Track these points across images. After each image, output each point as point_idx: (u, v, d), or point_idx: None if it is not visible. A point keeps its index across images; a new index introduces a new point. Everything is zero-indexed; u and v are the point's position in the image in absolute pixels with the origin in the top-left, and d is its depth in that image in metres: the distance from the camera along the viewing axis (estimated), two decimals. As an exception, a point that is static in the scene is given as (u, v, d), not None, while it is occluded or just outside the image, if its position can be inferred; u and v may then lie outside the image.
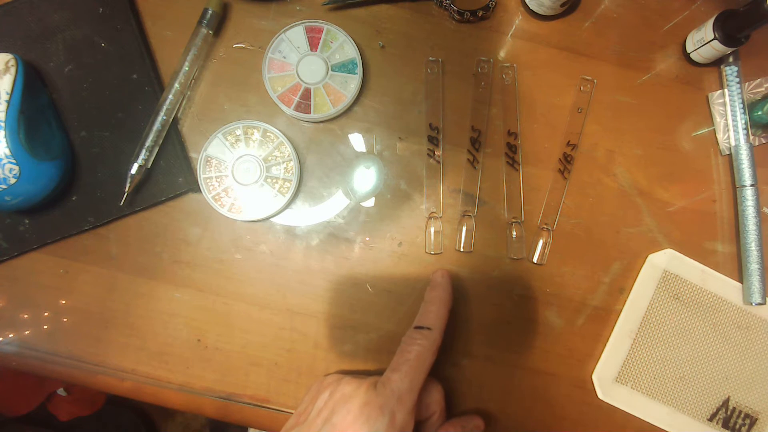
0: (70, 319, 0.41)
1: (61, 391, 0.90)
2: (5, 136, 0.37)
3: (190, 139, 0.43)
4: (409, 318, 0.42)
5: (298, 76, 0.43)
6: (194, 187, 0.42)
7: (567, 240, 0.44)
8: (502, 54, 0.46)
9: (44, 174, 0.38)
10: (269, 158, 0.42)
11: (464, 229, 0.43)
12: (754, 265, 0.42)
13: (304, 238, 0.43)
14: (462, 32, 0.45)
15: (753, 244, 0.42)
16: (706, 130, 0.46)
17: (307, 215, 0.43)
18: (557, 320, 0.43)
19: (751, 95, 0.45)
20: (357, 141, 0.44)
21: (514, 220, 0.43)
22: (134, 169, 0.40)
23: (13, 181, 0.37)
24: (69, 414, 0.91)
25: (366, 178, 0.43)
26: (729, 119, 0.45)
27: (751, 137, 0.44)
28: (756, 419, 0.43)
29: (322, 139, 0.44)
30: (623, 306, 0.43)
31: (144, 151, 0.41)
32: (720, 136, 0.45)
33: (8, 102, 0.37)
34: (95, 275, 0.42)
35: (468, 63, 0.45)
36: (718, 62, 0.46)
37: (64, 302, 0.41)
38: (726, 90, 0.45)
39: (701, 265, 0.44)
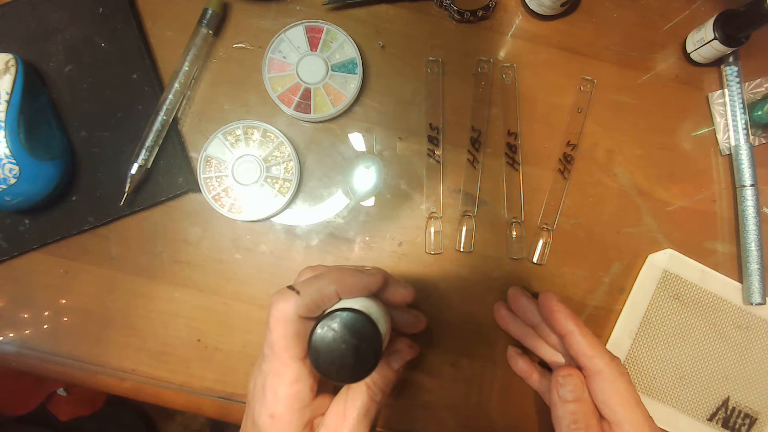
0: (70, 319, 0.41)
1: (61, 391, 0.90)
2: (5, 136, 0.37)
3: (190, 139, 0.43)
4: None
5: (298, 76, 0.43)
6: (194, 187, 0.42)
7: (567, 240, 0.44)
8: (502, 54, 0.46)
9: (44, 174, 0.38)
10: (269, 158, 0.42)
11: (464, 229, 0.43)
12: (754, 265, 0.42)
13: (304, 238, 0.43)
14: (462, 32, 0.45)
15: (753, 244, 0.42)
16: (706, 130, 0.46)
17: (307, 215, 0.43)
18: (557, 320, 0.43)
19: (751, 95, 0.45)
20: (357, 141, 0.44)
21: (514, 220, 0.43)
22: (134, 169, 0.40)
23: (13, 181, 0.37)
24: (69, 414, 0.91)
25: (366, 177, 0.43)
26: (729, 119, 0.45)
27: (751, 137, 0.44)
28: (756, 419, 0.43)
29: (322, 139, 0.44)
30: (623, 306, 0.43)
31: (144, 151, 0.41)
32: (720, 136, 0.45)
33: (8, 102, 0.37)
34: (95, 275, 0.42)
35: (468, 63, 0.45)
36: (718, 62, 0.46)
37: (64, 302, 0.41)
38: (726, 90, 0.45)
39: (701, 265, 0.44)
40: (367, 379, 0.31)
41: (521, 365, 0.40)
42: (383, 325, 0.28)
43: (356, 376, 0.27)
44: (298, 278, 0.33)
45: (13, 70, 0.38)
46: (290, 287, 0.29)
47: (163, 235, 0.42)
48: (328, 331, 0.26)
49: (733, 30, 0.41)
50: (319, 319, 0.27)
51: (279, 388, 0.29)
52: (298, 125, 0.44)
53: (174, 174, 0.42)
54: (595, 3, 0.46)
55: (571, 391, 0.33)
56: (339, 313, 0.26)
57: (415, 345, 0.36)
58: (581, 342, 0.34)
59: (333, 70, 0.43)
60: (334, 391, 0.33)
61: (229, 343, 0.41)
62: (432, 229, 0.43)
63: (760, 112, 0.44)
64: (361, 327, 0.26)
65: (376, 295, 0.31)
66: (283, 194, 0.42)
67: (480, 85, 0.45)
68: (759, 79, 0.45)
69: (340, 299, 0.29)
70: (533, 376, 0.39)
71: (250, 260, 0.42)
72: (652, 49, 0.46)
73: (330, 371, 0.26)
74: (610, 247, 0.44)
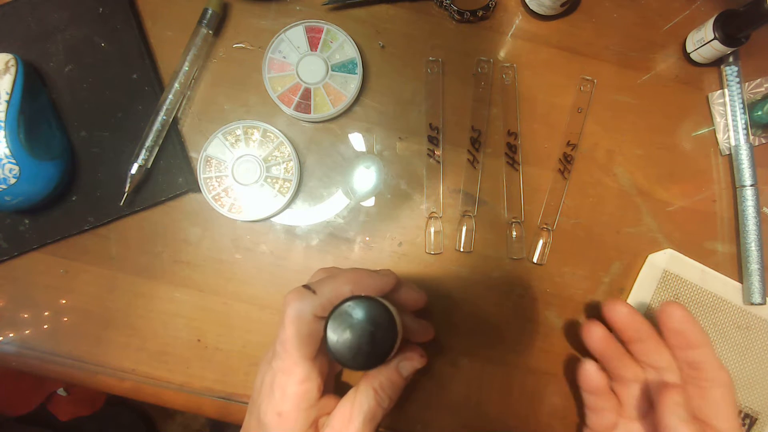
0: (70, 318, 0.41)
1: (61, 391, 0.90)
2: (5, 136, 0.37)
3: (190, 139, 0.43)
4: (409, 318, 0.42)
5: (298, 76, 0.43)
6: (194, 187, 0.42)
7: (567, 240, 0.44)
8: (502, 54, 0.46)
9: (44, 174, 0.38)
10: (269, 158, 0.42)
11: (464, 229, 0.43)
12: (754, 265, 0.42)
13: (304, 238, 0.43)
14: (462, 32, 0.45)
15: (753, 244, 0.42)
16: (706, 130, 0.46)
17: (307, 215, 0.43)
18: (557, 320, 0.43)
19: (751, 95, 0.45)
20: (357, 141, 0.44)
21: (514, 220, 0.43)
22: (134, 169, 0.40)
23: (13, 181, 0.37)
24: (69, 414, 0.91)
25: (366, 177, 0.43)
26: (729, 119, 0.45)
27: (751, 137, 0.44)
28: (756, 419, 0.43)
29: (322, 139, 0.44)
30: (623, 306, 0.43)
31: (144, 151, 0.41)
32: (720, 136, 0.45)
33: (8, 102, 0.37)
34: (95, 275, 0.42)
35: (468, 63, 0.45)
36: (718, 62, 0.46)
37: (64, 302, 0.41)
38: (726, 90, 0.45)
39: (701, 265, 0.44)
40: (376, 384, 0.31)
41: (601, 381, 0.36)
42: (398, 322, 0.28)
43: (371, 363, 0.27)
44: (312, 279, 0.33)
45: (13, 70, 0.38)
46: (306, 286, 0.29)
47: (163, 235, 0.42)
48: (345, 317, 0.26)
49: (733, 30, 0.41)
50: (336, 307, 0.27)
51: (288, 386, 0.29)
52: (298, 125, 0.44)
53: (174, 174, 0.42)
54: (595, 3, 0.46)
55: (688, 412, 0.31)
56: (356, 300, 0.27)
57: (425, 354, 0.36)
58: (713, 353, 0.33)
59: (333, 70, 0.43)
60: (336, 391, 0.33)
61: (229, 343, 0.41)
62: (432, 229, 0.43)
63: (760, 112, 0.44)
64: (377, 314, 0.26)
65: (388, 297, 0.32)
66: (283, 194, 0.42)
67: (480, 85, 0.45)
68: (759, 79, 0.45)
69: None
70: (604, 393, 0.36)
71: (250, 260, 0.42)
72: (652, 49, 0.46)
73: (346, 358, 0.26)
74: (610, 247, 0.44)
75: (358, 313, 0.26)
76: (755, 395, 0.43)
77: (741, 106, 0.44)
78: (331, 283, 0.29)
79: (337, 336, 0.26)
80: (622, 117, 0.45)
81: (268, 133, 0.42)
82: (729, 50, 0.42)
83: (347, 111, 0.44)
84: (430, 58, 0.45)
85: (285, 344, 0.28)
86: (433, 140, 0.44)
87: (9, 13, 0.43)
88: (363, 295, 0.27)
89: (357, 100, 0.44)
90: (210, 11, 0.42)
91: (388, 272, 0.31)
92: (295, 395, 0.29)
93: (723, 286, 0.43)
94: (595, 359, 0.37)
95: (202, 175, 0.41)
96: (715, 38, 0.42)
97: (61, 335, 0.41)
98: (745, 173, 0.43)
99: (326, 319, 0.27)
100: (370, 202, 0.43)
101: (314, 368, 0.29)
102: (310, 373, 0.29)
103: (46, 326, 0.41)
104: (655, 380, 0.35)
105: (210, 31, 0.43)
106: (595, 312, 0.43)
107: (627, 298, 0.43)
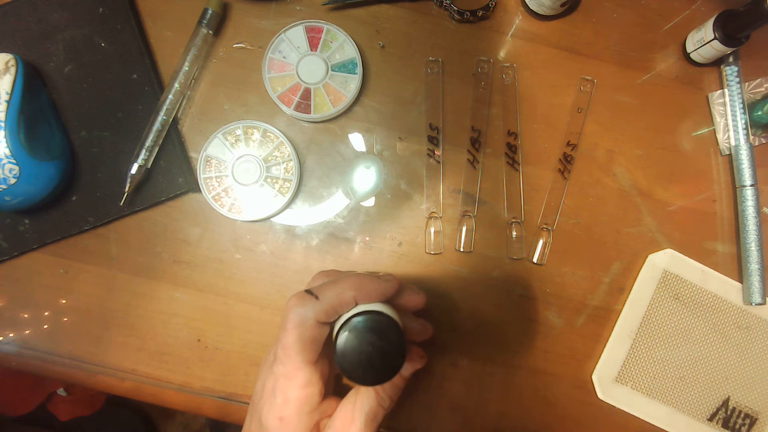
0: (70, 318, 0.41)
1: (61, 391, 0.90)
2: (5, 136, 0.37)
3: (190, 139, 0.43)
4: (409, 318, 0.42)
5: (298, 76, 0.43)
6: (194, 187, 0.42)
7: (567, 240, 0.44)
8: (502, 54, 0.46)
9: (44, 174, 0.38)
10: (269, 158, 0.42)
11: (464, 229, 0.43)
12: (754, 265, 0.42)
13: (304, 238, 0.43)
14: (462, 32, 0.45)
15: (753, 244, 0.42)
16: (706, 130, 0.46)
17: (307, 215, 0.43)
18: (557, 320, 0.43)
19: (751, 95, 0.45)
20: (357, 141, 0.44)
21: (514, 220, 0.43)
22: (134, 169, 0.40)
23: (13, 181, 0.37)
24: (69, 414, 0.91)
25: (366, 177, 0.43)
26: (729, 119, 0.45)
27: (751, 137, 0.44)
28: (756, 419, 0.43)
29: (322, 139, 0.44)
30: (623, 306, 0.43)
31: (144, 151, 0.41)
32: (720, 136, 0.45)
33: (8, 102, 0.37)
34: (95, 275, 0.42)
35: (468, 63, 0.45)
36: (718, 62, 0.46)
37: (64, 302, 0.41)
38: (726, 90, 0.45)
39: (701, 265, 0.44)
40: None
41: None
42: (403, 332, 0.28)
43: (382, 378, 0.27)
44: (312, 283, 0.33)
45: (13, 70, 0.38)
46: (308, 292, 0.29)
47: (163, 235, 0.42)
48: (354, 333, 0.26)
49: (733, 30, 0.41)
50: (344, 322, 0.27)
51: (290, 391, 0.29)
52: (298, 125, 0.44)
53: (174, 174, 0.42)
54: (595, 3, 0.46)
55: None
56: (364, 316, 0.27)
57: (425, 355, 0.36)
58: None
59: (333, 70, 0.43)
60: (336, 392, 0.33)
61: (229, 343, 0.41)
62: (432, 229, 0.43)
63: (760, 112, 0.44)
64: (386, 329, 0.27)
65: (389, 301, 0.32)
66: (283, 194, 0.42)
67: (480, 85, 0.45)
68: (759, 79, 0.45)
69: (356, 305, 0.29)
70: None
71: (250, 260, 0.42)
72: (652, 49, 0.46)
73: (356, 373, 0.26)
74: (610, 247, 0.44)
75: (368, 328, 0.26)
76: (755, 395, 0.43)
77: (741, 106, 0.44)
78: (333, 288, 0.29)
79: (347, 352, 0.26)
80: (622, 117, 0.45)
81: (268, 133, 0.42)
82: (729, 50, 0.42)
83: (347, 111, 0.44)
84: (430, 58, 0.45)
85: (287, 349, 0.28)
86: (433, 140, 0.44)
87: (9, 13, 0.43)
88: (372, 309, 0.27)
89: (357, 100, 0.44)
90: (210, 11, 0.42)
91: (390, 277, 0.31)
92: (297, 400, 0.29)
93: (723, 286, 0.43)
94: None
95: (202, 175, 0.41)
96: (715, 38, 0.42)
97: (61, 335, 0.41)
98: (745, 173, 0.43)
99: (336, 334, 0.27)
100: (370, 202, 0.43)
101: (316, 372, 0.29)
102: (311, 377, 0.29)
103: (46, 326, 0.41)
104: None
105: (210, 31, 0.43)
106: (594, 311, 0.43)
107: (627, 298, 0.43)
